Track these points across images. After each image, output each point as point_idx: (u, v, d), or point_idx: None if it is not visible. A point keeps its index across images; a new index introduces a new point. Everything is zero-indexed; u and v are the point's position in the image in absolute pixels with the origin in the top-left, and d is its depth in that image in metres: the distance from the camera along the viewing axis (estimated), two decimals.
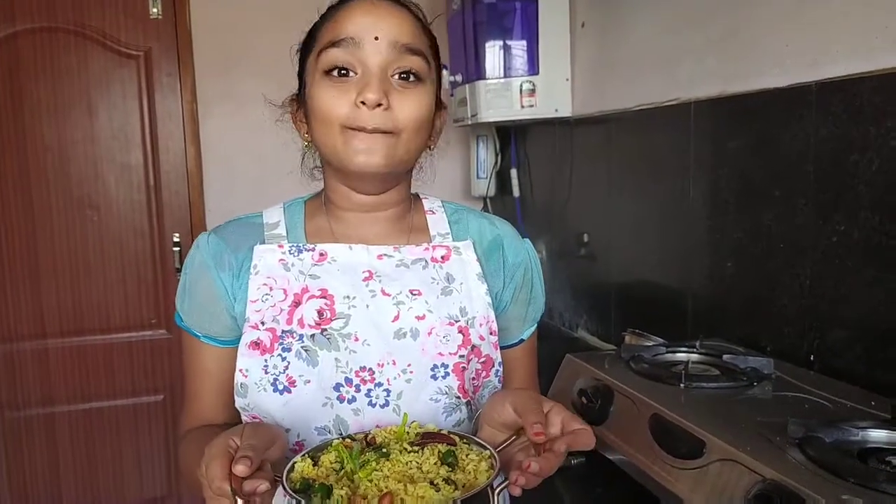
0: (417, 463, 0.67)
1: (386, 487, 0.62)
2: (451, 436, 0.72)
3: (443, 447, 0.69)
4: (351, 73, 0.81)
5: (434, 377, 0.84)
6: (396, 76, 0.81)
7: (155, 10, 2.50)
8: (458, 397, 0.85)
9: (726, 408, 1.09)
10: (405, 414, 0.78)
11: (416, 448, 0.69)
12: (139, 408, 2.64)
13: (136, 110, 2.54)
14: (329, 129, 0.82)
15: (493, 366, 0.89)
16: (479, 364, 0.88)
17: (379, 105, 0.79)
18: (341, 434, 0.80)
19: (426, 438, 0.72)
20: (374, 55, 0.80)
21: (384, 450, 0.69)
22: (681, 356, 1.37)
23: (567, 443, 0.66)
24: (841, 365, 1.25)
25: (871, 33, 1.18)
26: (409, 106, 0.82)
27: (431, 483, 0.63)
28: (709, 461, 0.95)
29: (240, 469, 0.59)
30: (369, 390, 0.83)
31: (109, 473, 2.63)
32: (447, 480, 0.63)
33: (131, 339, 2.61)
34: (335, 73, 0.81)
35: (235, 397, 0.84)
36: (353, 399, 0.83)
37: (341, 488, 0.62)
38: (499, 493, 0.63)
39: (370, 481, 0.64)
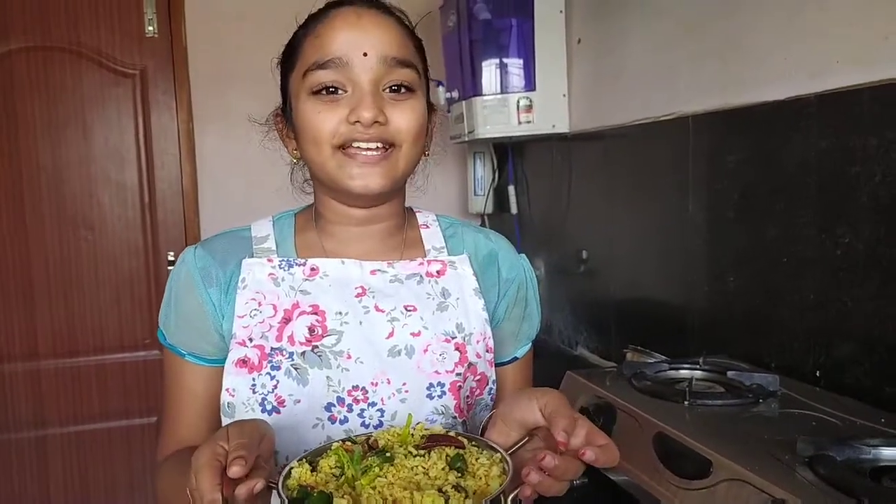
0: (424, 468, 0.62)
1: (390, 496, 0.57)
2: (460, 438, 0.67)
3: (451, 450, 0.65)
4: (340, 91, 0.79)
5: (430, 396, 0.81)
6: (388, 90, 0.79)
7: (150, 28, 2.50)
8: (455, 417, 0.82)
9: (732, 426, 1.06)
10: (409, 415, 0.72)
11: (422, 452, 0.64)
12: (132, 430, 2.59)
13: (131, 129, 2.53)
14: (320, 149, 0.79)
15: (487, 384, 0.87)
16: (474, 382, 0.85)
17: (376, 122, 0.77)
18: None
19: (432, 441, 0.67)
20: (364, 72, 0.78)
21: (388, 454, 0.63)
22: (684, 373, 1.34)
23: (593, 455, 0.61)
24: (848, 381, 1.22)
25: (871, 44, 1.18)
26: (405, 117, 0.80)
27: (440, 490, 0.57)
28: (716, 481, 0.92)
29: (235, 471, 0.55)
30: (362, 410, 0.79)
31: (102, 497, 2.58)
32: (457, 487, 0.58)
33: (125, 360, 2.57)
34: (323, 91, 0.79)
35: (222, 417, 0.81)
36: (346, 420, 0.79)
37: (342, 496, 0.58)
38: (511, 499, 0.59)
39: (373, 489, 0.59)
